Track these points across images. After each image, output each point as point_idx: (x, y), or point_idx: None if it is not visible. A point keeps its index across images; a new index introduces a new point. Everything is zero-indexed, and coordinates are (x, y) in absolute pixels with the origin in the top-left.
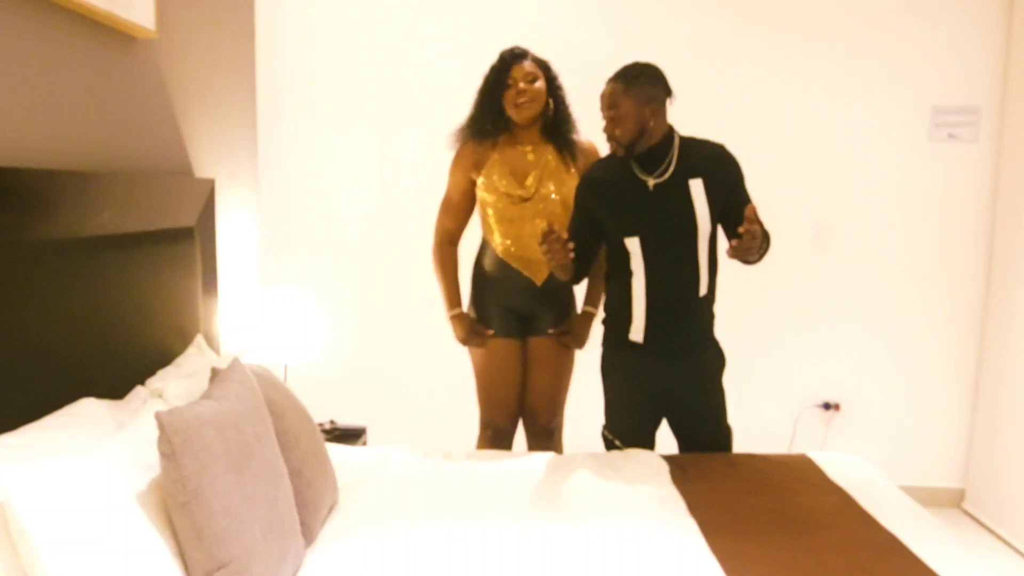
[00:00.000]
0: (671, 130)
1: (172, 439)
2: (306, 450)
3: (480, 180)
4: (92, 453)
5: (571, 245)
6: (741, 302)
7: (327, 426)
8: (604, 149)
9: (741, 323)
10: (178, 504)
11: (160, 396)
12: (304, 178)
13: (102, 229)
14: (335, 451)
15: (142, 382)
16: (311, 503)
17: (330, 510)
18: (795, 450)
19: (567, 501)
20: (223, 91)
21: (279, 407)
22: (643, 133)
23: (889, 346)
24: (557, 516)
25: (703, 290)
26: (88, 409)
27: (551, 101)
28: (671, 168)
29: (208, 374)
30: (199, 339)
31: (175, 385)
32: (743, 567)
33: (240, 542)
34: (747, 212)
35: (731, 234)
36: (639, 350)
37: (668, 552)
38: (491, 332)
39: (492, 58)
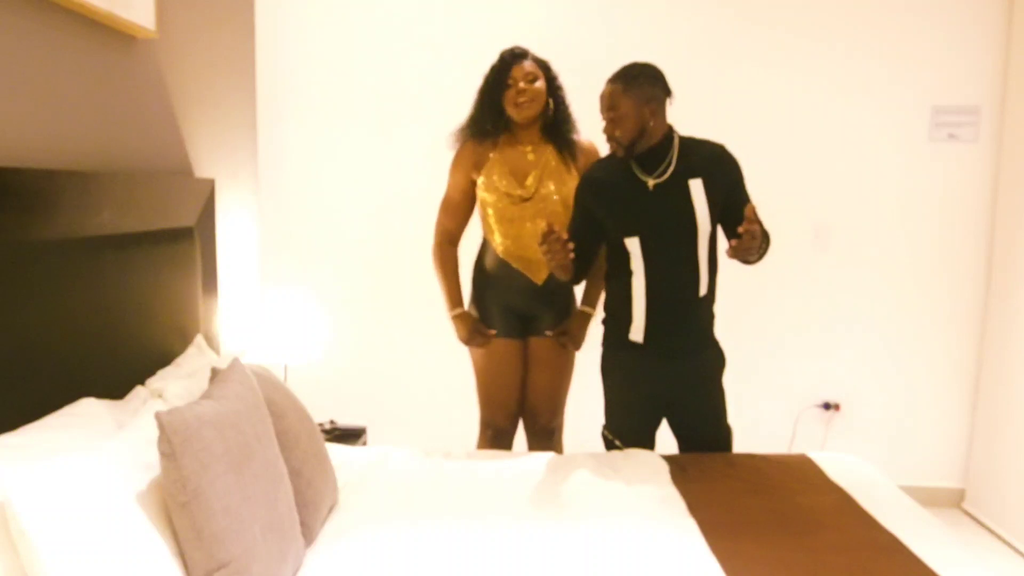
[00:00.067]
0: (671, 130)
1: (172, 439)
2: (306, 450)
3: (480, 180)
4: (92, 453)
5: (571, 245)
6: (741, 302)
7: (327, 426)
8: (604, 149)
9: (741, 323)
10: (178, 504)
11: (160, 396)
12: (304, 178)
13: (102, 229)
14: (335, 451)
15: (142, 382)
16: (311, 503)
17: (330, 510)
18: (795, 450)
19: (567, 501)
20: (223, 91)
21: (279, 407)
22: (643, 133)
23: (889, 346)
24: (557, 516)
25: (703, 290)
26: (88, 409)
27: (551, 101)
28: (671, 168)
29: (208, 374)
30: (199, 339)
31: (175, 385)
32: (743, 567)
33: (240, 542)
34: (747, 212)
35: (731, 234)
36: (639, 350)
37: (668, 552)
38: (494, 332)
39: (492, 58)
